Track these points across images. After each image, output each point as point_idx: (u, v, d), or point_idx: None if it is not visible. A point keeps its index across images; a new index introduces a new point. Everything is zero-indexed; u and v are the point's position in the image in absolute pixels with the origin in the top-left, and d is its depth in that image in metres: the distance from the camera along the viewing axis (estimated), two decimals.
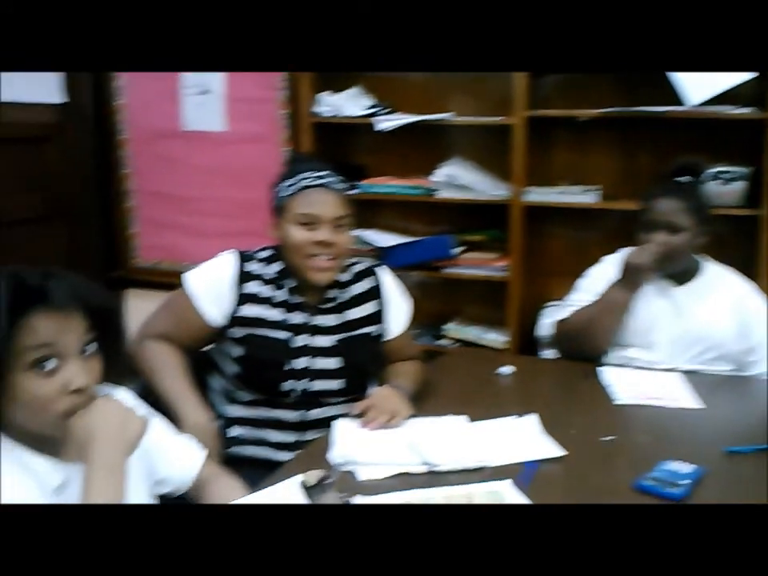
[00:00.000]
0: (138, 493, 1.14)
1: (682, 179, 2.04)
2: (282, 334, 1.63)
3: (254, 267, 1.65)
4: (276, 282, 1.65)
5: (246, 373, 1.64)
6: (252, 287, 1.63)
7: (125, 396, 1.15)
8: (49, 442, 0.99)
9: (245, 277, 1.63)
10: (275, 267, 1.66)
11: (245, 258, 1.67)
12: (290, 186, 1.62)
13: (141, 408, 1.20)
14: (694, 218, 1.93)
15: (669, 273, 2.01)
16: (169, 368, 1.61)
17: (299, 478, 1.19)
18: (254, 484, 1.30)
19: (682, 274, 2.03)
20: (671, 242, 1.93)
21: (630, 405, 1.73)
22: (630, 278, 1.95)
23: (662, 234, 1.93)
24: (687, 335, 1.99)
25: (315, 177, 1.61)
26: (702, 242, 1.99)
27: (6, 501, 0.89)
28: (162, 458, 1.22)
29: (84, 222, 3.44)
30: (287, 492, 1.17)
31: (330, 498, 1.12)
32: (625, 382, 1.86)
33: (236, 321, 1.62)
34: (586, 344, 1.99)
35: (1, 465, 0.91)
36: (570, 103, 2.70)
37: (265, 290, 1.64)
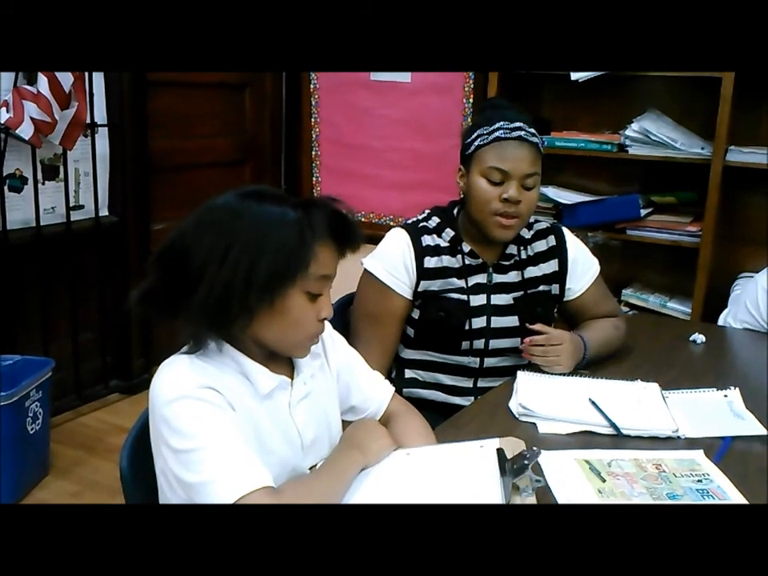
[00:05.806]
0: (332, 416, 1.21)
1: None
2: (460, 296, 1.61)
3: (428, 241, 1.62)
4: (451, 250, 1.62)
5: (423, 334, 1.65)
6: (430, 262, 1.61)
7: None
8: (269, 355, 1.09)
9: (422, 252, 1.60)
10: (447, 235, 1.63)
11: (416, 231, 1.63)
12: (482, 135, 1.56)
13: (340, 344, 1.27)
14: None
15: None
16: None
17: (495, 442, 1.13)
18: (432, 425, 1.31)
19: None
20: None
21: None
22: None
23: None
24: None
25: (510, 128, 1.54)
26: None
27: (227, 398, 0.99)
28: (355, 386, 1.27)
29: (270, 167, 3.61)
30: (480, 455, 1.11)
31: (525, 479, 1.00)
32: None
33: (419, 295, 1.62)
34: None
35: (225, 367, 1.04)
36: None
37: (442, 261, 1.62)
